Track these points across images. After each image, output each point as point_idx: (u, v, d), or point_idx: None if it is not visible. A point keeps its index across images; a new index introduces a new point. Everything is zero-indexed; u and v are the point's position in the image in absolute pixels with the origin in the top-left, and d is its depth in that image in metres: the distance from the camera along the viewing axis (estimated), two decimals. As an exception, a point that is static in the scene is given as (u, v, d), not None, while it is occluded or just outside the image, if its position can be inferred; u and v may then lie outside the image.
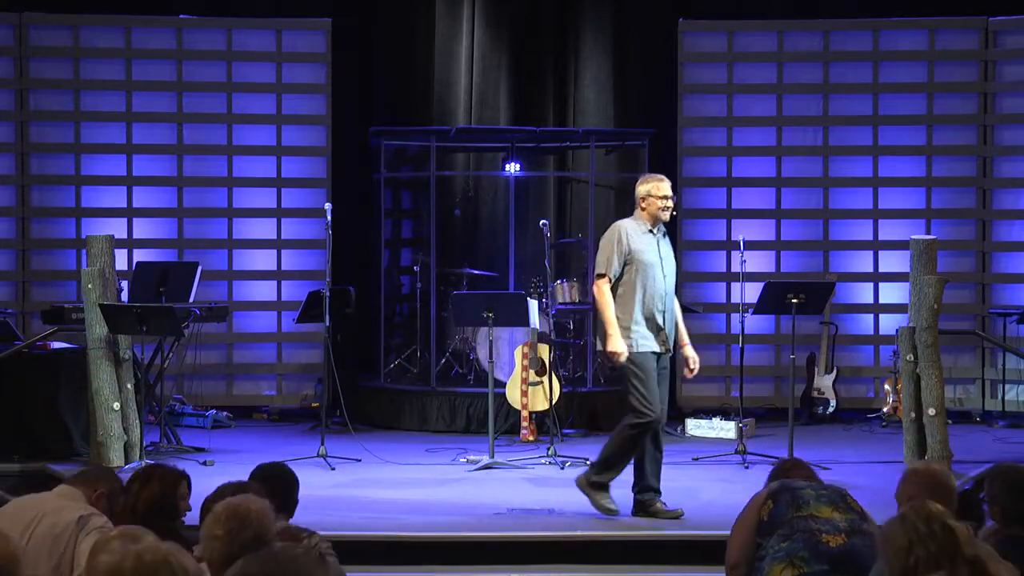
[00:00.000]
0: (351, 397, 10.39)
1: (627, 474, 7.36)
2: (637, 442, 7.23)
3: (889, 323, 11.25)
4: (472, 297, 9.65)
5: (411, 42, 12.06)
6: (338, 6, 11.94)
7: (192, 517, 4.57)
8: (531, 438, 10.01)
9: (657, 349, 7.28)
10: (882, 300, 11.63)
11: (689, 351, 7.47)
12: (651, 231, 7.37)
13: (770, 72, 11.77)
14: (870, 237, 11.67)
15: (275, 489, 4.57)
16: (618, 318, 7.25)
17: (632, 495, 7.36)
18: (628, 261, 7.28)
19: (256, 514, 3.52)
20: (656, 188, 7.36)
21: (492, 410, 9.08)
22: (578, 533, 7.09)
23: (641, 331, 7.25)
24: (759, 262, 11.39)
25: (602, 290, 7.29)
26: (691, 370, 7.45)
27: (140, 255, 11.03)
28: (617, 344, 7.19)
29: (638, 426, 7.19)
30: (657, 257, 7.32)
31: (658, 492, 7.31)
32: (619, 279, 7.29)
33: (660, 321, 7.28)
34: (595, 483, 7.34)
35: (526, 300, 9.19)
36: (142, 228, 11.55)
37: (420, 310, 11.31)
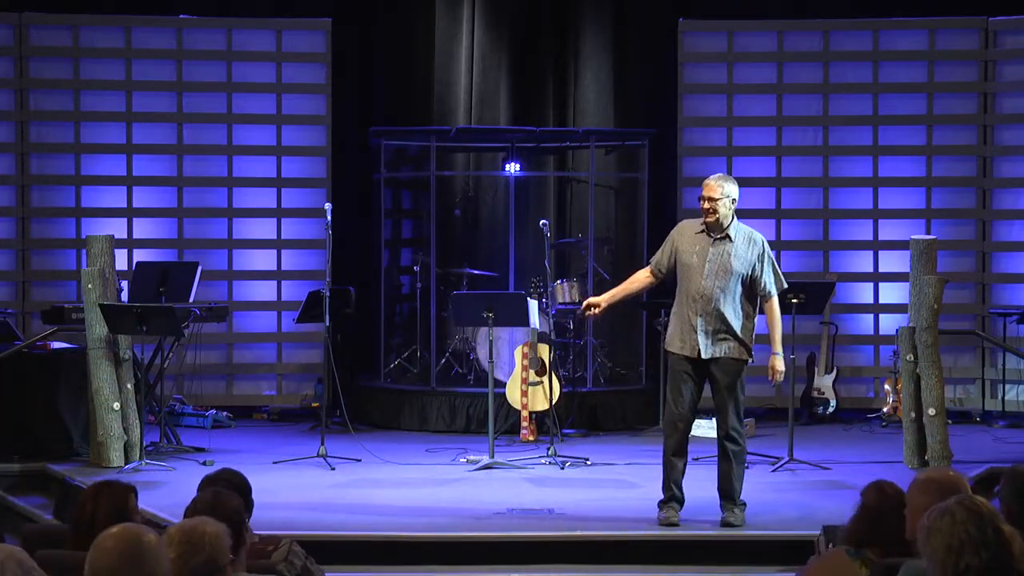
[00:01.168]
0: (351, 397, 10.40)
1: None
2: (665, 443, 7.28)
3: (889, 323, 11.24)
4: (472, 297, 9.66)
5: (411, 42, 12.05)
6: (338, 6, 11.94)
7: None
8: (531, 438, 10.01)
9: (684, 352, 7.16)
10: (882, 300, 11.62)
11: (772, 360, 7.28)
12: (704, 232, 7.24)
13: (770, 72, 11.77)
14: (870, 237, 11.67)
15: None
16: (673, 314, 7.29)
17: None
18: (676, 260, 7.28)
19: (210, 538, 3.46)
20: (701, 188, 7.32)
21: (492, 410, 9.08)
22: (578, 533, 7.09)
23: (673, 331, 7.24)
24: (759, 262, 11.38)
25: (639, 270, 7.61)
26: (771, 379, 7.34)
27: (140, 255, 11.02)
28: (591, 299, 7.59)
29: (665, 426, 7.33)
30: (701, 259, 7.15)
31: (674, 498, 7.27)
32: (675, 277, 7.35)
33: (694, 324, 7.12)
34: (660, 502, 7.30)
35: (526, 300, 9.19)
36: (142, 228, 11.54)
37: (420, 310, 11.31)
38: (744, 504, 7.24)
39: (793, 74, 11.76)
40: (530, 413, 10.12)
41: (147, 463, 8.71)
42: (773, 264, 7.29)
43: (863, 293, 11.71)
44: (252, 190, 11.71)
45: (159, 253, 11.31)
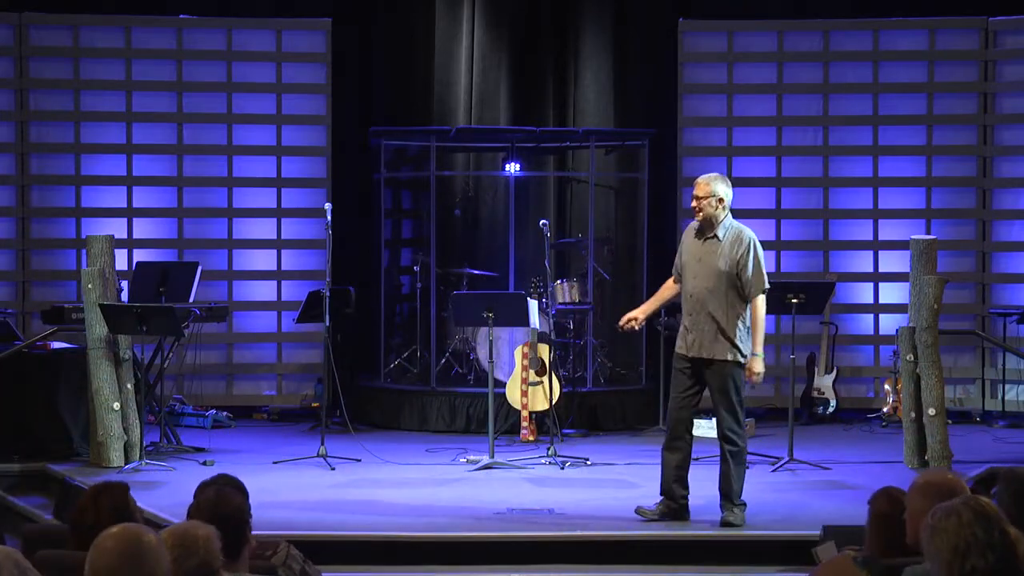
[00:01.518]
0: (351, 397, 10.40)
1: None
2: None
3: (889, 323, 11.24)
4: (472, 297, 9.65)
5: (411, 42, 12.05)
6: (338, 6, 11.94)
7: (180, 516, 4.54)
8: (531, 438, 10.01)
9: (681, 351, 7.27)
10: (882, 300, 11.62)
11: (749, 362, 7.21)
12: (698, 232, 7.33)
13: (770, 72, 11.77)
14: (870, 237, 11.67)
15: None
16: None
17: None
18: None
19: (203, 540, 3.48)
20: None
21: (492, 410, 9.08)
22: (578, 533, 7.09)
23: (678, 329, 7.36)
24: (759, 262, 11.38)
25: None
26: (748, 380, 7.29)
27: (140, 255, 11.02)
28: (630, 313, 7.60)
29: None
30: (693, 259, 7.26)
31: (664, 493, 7.31)
32: None
33: (687, 323, 7.24)
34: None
35: (526, 300, 9.19)
36: (142, 228, 11.54)
37: (420, 310, 11.31)
38: (744, 504, 7.24)
39: (793, 74, 11.75)
40: (530, 413, 10.12)
41: (147, 463, 8.71)
42: (757, 264, 7.21)
43: (863, 293, 11.71)
44: (252, 190, 11.71)
45: (159, 253, 11.31)
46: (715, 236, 7.23)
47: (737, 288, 7.18)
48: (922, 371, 8.85)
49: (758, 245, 7.27)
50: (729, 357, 7.15)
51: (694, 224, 7.41)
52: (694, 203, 7.30)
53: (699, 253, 7.24)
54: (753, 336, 7.24)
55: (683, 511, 7.30)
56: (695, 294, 7.21)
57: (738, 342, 7.15)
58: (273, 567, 4.37)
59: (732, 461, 7.20)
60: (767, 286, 7.29)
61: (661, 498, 7.31)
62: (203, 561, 3.45)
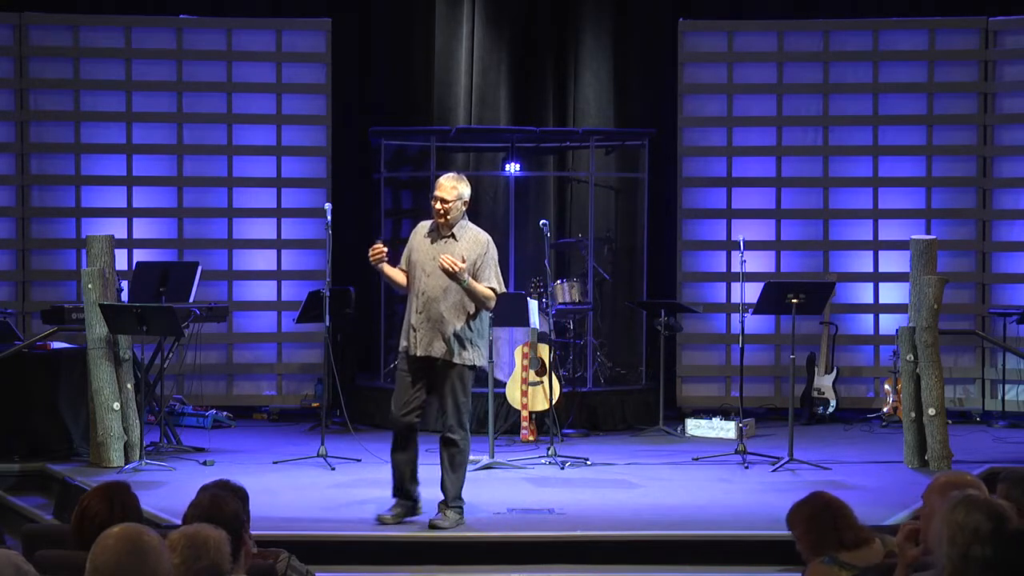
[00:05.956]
0: (351, 397, 10.40)
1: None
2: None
3: (889, 323, 11.25)
4: (472, 297, 9.64)
5: (411, 42, 12.06)
6: (338, 6, 11.94)
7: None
8: (531, 438, 10.01)
9: (408, 351, 7.18)
10: (882, 300, 11.63)
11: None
12: (434, 231, 7.26)
13: (770, 72, 11.77)
14: (870, 237, 11.67)
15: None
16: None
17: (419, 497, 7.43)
18: (410, 259, 7.28)
19: (214, 543, 3.49)
20: (435, 188, 7.37)
21: (492, 410, 9.09)
22: (578, 533, 7.09)
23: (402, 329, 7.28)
24: (759, 262, 11.40)
25: None
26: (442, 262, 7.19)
27: (140, 255, 11.03)
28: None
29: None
30: (427, 258, 7.17)
31: (398, 495, 7.42)
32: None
33: (415, 322, 7.14)
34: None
35: (526, 300, 9.19)
36: (142, 228, 11.55)
37: (420, 310, 11.29)
38: (459, 507, 7.24)
39: (793, 74, 11.76)
40: (530, 413, 10.12)
41: (147, 463, 8.71)
42: (495, 263, 7.21)
43: (863, 293, 11.71)
44: (252, 190, 11.72)
45: (159, 253, 11.32)
46: (452, 236, 7.22)
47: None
48: (922, 371, 8.85)
49: (493, 247, 7.26)
50: (456, 359, 7.13)
51: (425, 224, 7.37)
52: (439, 205, 7.19)
53: (433, 252, 7.17)
54: (473, 284, 7.07)
55: (416, 506, 7.35)
56: (427, 292, 7.15)
57: (467, 343, 7.14)
58: (275, 571, 4.37)
59: (451, 464, 7.22)
60: (503, 288, 7.26)
61: (395, 499, 7.35)
62: (213, 563, 3.45)
